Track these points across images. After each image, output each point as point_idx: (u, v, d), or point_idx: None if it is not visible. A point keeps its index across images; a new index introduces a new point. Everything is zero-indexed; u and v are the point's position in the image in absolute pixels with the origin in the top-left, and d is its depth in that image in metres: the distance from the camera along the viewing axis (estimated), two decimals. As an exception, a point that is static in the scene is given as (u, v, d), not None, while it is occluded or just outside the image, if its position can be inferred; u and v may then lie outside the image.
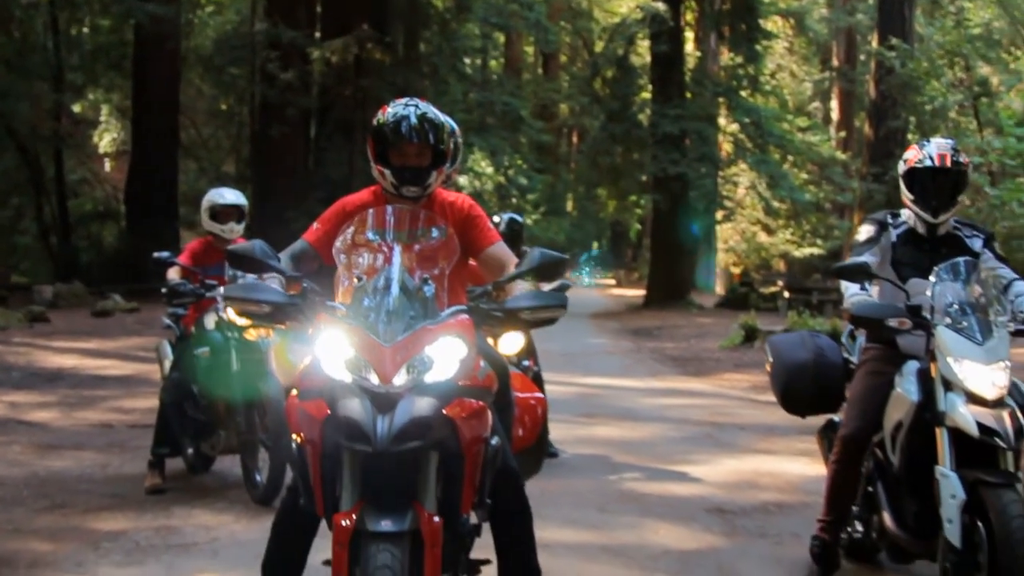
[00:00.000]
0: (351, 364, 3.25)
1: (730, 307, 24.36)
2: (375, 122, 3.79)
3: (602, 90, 29.75)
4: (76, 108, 30.17)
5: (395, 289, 3.36)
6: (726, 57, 29.29)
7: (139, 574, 4.68)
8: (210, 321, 6.17)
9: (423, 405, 3.18)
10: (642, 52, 31.83)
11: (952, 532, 3.96)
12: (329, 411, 3.24)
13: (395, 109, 3.78)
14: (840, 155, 34.13)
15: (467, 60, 29.86)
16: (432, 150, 3.76)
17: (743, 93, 27.55)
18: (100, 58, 27.73)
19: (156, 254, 6.41)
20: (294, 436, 3.38)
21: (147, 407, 9.39)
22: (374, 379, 3.21)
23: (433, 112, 3.80)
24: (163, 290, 6.30)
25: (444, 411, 3.22)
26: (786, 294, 25.09)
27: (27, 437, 8.06)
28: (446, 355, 3.30)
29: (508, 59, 38.12)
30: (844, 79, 35.93)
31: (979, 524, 3.93)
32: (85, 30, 28.53)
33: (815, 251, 33.01)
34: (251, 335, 6.00)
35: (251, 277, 5.41)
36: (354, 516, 3.15)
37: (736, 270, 36.70)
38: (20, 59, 24.26)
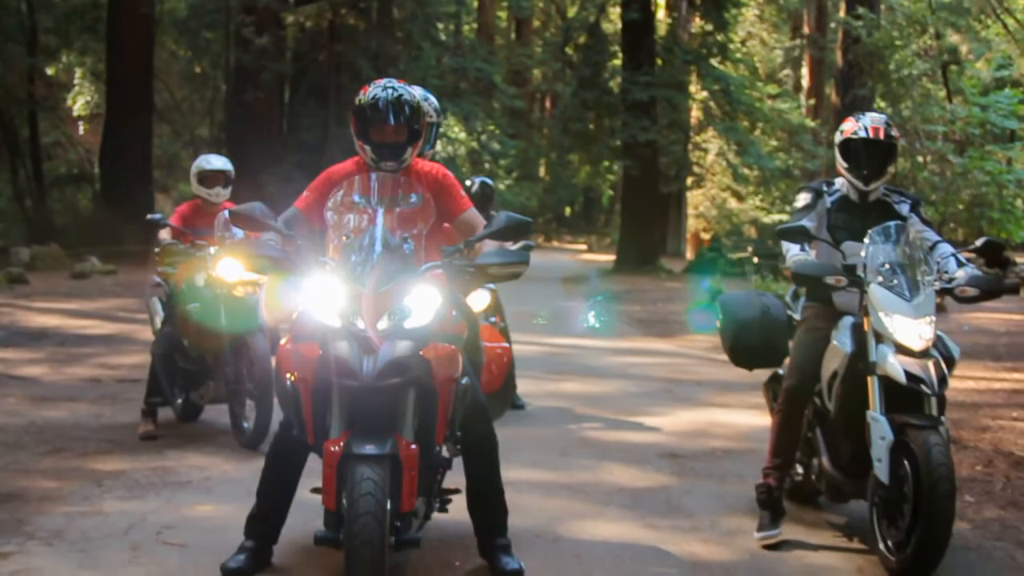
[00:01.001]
0: (340, 311, 3.74)
1: (699, 272, 24.72)
2: (356, 101, 4.19)
3: (575, 56, 30.00)
4: (49, 71, 30.04)
5: (378, 247, 3.84)
6: (696, 24, 29.58)
7: (141, 507, 5.10)
8: (200, 279, 6.55)
9: (402, 347, 3.69)
10: (614, 19, 32.08)
11: (881, 470, 4.39)
12: (321, 352, 3.73)
13: (374, 91, 4.18)
14: (810, 122, 34.54)
15: (440, 25, 29.97)
16: (408, 128, 4.15)
17: (713, 61, 27.87)
18: (74, 21, 27.64)
19: (149, 215, 6.82)
20: (288, 375, 3.85)
21: (133, 363, 9.77)
22: (360, 324, 3.70)
23: (409, 93, 4.20)
24: (156, 249, 6.70)
25: (421, 353, 3.73)
26: (755, 259, 25.55)
27: (21, 390, 8.41)
28: (423, 304, 3.80)
29: (481, 24, 38.22)
30: (814, 47, 36.20)
31: (905, 463, 4.34)
32: (58, -8, 28.47)
33: (784, 217, 33.41)
34: (239, 292, 6.40)
35: (240, 235, 5.94)
36: (342, 443, 3.64)
37: (706, 236, 37.14)
38: (-6, 22, 24.25)
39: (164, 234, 6.78)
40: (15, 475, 5.69)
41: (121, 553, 4.42)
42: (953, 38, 31.25)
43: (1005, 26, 28.15)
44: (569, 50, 30.85)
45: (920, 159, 27.63)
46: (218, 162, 6.99)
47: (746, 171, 31.40)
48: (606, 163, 35.83)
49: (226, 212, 6.42)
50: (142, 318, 12.75)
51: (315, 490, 3.96)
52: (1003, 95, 27.77)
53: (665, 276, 25.18)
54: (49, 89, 30.33)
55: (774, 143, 33.65)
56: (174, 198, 31.06)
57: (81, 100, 32.65)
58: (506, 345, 5.09)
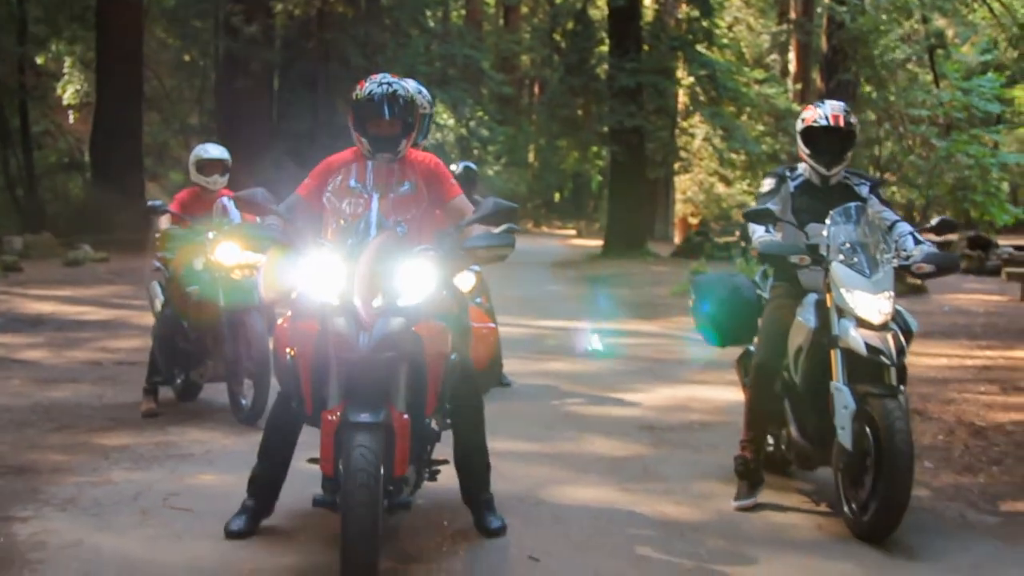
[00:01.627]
0: (338, 290, 4.00)
1: (686, 256, 24.98)
2: (354, 96, 4.46)
3: (562, 42, 30.21)
4: (39, 60, 30.10)
5: (373, 230, 4.12)
6: (683, 10, 29.80)
7: (148, 477, 5.42)
8: (199, 263, 6.84)
9: (396, 324, 3.98)
10: (600, 5, 32.29)
11: (844, 437, 4.69)
12: (320, 328, 4.03)
13: (370, 86, 4.44)
14: (796, 107, 34.72)
15: (428, 12, 30.16)
16: (402, 122, 4.41)
17: (699, 47, 28.12)
18: (63, 10, 27.71)
19: (150, 202, 7.10)
20: (287, 351, 4.15)
21: (131, 347, 10.04)
22: (357, 302, 3.96)
23: (403, 88, 4.48)
24: (156, 235, 6.98)
25: (413, 329, 4.04)
26: (742, 243, 25.83)
27: (23, 373, 8.69)
28: (415, 284, 4.09)
29: (469, 11, 38.39)
30: (801, 31, 36.40)
31: (867, 430, 4.64)
32: (48, -19, 28.52)
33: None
34: (237, 275, 6.69)
35: (237, 220, 6.23)
36: (339, 413, 3.94)
37: (694, 220, 37.40)
38: (-15, 13, 24.34)
39: (163, 220, 7.06)
40: (26, 450, 5.99)
41: (132, 517, 4.74)
42: (939, 22, 31.52)
43: (991, 9, 28.42)
44: (557, 36, 31.06)
45: (908, 143, 27.98)
46: (216, 151, 7.25)
47: (733, 156, 31.66)
48: (594, 148, 36.06)
49: (224, 199, 6.72)
50: (137, 304, 13.04)
51: (312, 460, 4.26)
52: (986, 79, 28.11)
53: (652, 260, 25.40)
54: (39, 78, 30.37)
55: (761, 128, 33.86)
56: (164, 186, 31.22)
57: (71, 89, 32.65)
58: (492, 325, 5.40)
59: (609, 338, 11.56)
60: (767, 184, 5.39)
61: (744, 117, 31.57)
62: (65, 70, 32.47)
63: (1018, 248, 19.54)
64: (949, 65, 29.23)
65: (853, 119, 5.25)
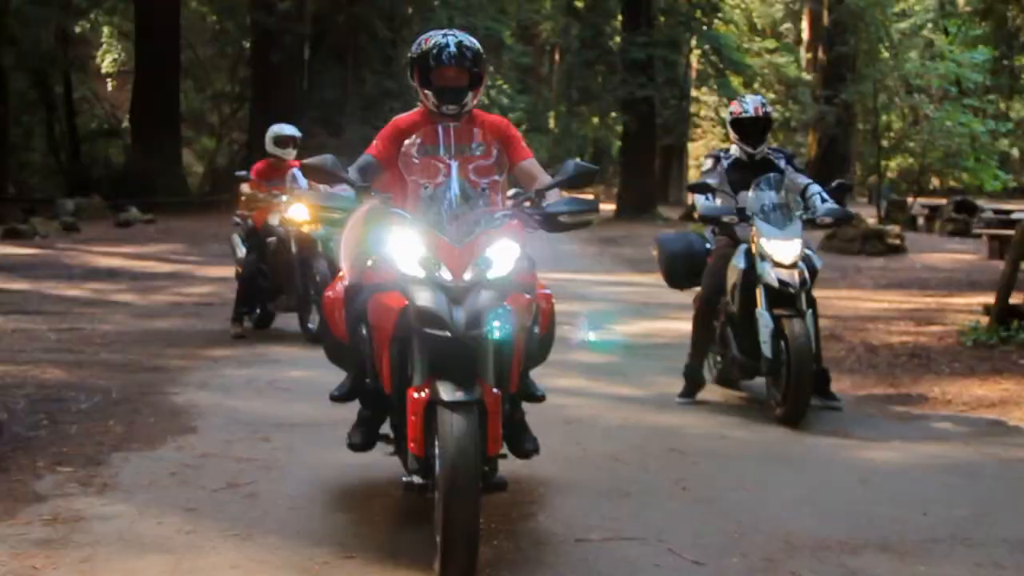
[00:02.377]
0: (424, 262, 3.82)
1: (693, 220, 26.21)
2: (418, 49, 4.31)
3: (582, 7, 31.53)
4: (78, 29, 31.21)
5: (457, 197, 4.00)
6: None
7: (252, 372, 7.36)
8: (275, 219, 8.76)
9: (488, 298, 3.79)
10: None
11: (766, 349, 6.38)
12: (404, 302, 3.83)
13: (435, 39, 4.30)
14: (807, 75, 35.85)
15: (451, -15, 31.44)
16: (468, 73, 4.27)
17: (706, 21, 29.49)
18: (104, -19, 28.93)
19: (237, 172, 9.08)
20: (361, 327, 4.14)
21: (202, 292, 11.90)
22: (446, 275, 3.80)
23: (469, 40, 4.35)
24: (242, 198, 8.90)
25: (505, 303, 3.84)
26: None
27: (123, 310, 10.57)
28: (504, 255, 3.92)
29: (490, -19, 39.55)
30: (812, 1, 37.45)
31: (781, 343, 6.33)
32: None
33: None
34: (305, 229, 8.54)
35: (304, 186, 7.83)
36: (427, 390, 3.72)
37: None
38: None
39: (245, 186, 8.96)
40: (154, 358, 7.92)
41: (250, 392, 6.69)
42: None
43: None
44: (578, 3, 32.25)
45: (904, 112, 29.31)
46: (289, 129, 9.09)
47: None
48: (613, 115, 37.36)
49: (294, 169, 8.62)
50: (192, 259, 14.84)
51: (388, 441, 4.28)
52: (978, 52, 29.36)
53: (661, 223, 26.65)
54: (78, 48, 31.84)
55: (772, 96, 35.05)
56: (196, 151, 32.76)
57: (109, 58, 34.15)
58: (548, 292, 5.32)
59: (604, 288, 13.21)
60: (707, 164, 7.08)
61: (756, 85, 32.75)
62: (104, 40, 33.98)
63: (997, 212, 20.87)
64: (944, 39, 30.41)
65: (769, 108, 6.94)
